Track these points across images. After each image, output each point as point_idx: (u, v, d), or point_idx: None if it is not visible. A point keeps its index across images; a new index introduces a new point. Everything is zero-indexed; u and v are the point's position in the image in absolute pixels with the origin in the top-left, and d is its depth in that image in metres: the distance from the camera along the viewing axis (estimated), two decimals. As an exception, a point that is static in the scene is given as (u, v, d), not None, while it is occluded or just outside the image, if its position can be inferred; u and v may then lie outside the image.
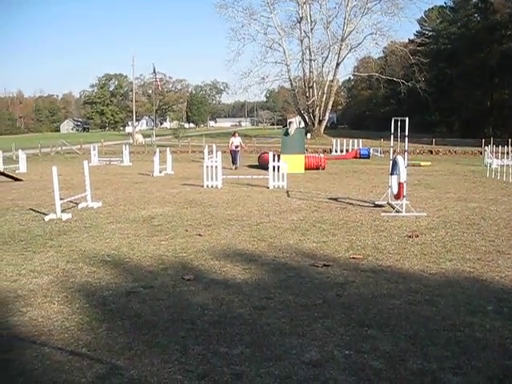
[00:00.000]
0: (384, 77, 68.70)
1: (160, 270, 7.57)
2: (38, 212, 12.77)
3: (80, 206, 13.42)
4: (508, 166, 21.42)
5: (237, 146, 26.08)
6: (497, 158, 25.88)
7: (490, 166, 23.27)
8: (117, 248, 8.97)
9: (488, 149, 28.07)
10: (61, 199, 12.30)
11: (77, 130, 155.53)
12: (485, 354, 4.75)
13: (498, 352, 4.80)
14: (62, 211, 12.14)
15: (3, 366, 4.64)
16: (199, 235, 9.94)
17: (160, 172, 23.34)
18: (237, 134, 26.99)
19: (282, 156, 22.54)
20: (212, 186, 17.82)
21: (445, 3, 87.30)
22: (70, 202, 13.50)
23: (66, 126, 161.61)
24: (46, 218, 11.70)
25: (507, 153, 26.68)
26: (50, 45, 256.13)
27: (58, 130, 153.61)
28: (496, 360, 4.64)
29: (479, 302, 6.14)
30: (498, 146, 27.58)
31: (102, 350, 4.91)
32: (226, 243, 9.30)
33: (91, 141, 52.71)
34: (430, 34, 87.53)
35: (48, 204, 13.60)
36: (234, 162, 26.19)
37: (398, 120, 12.99)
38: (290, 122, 27.53)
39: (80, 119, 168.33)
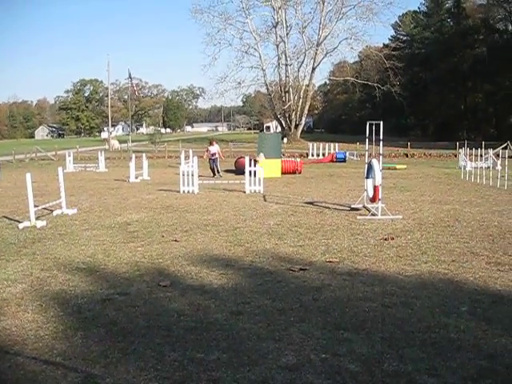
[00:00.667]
0: (359, 81, 69.25)
1: (136, 277, 7.52)
2: (11, 220, 12.61)
3: (55, 213, 13.28)
4: (482, 168, 21.68)
5: (213, 154, 25.40)
6: (471, 160, 26.18)
7: (465, 169, 23.54)
8: (92, 255, 8.89)
9: (462, 151, 28.38)
10: (35, 206, 12.17)
11: (52, 137, 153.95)
12: (459, 355, 4.80)
13: (473, 352, 4.85)
14: (37, 218, 12.01)
15: (-24, 376, 4.58)
16: (175, 241, 9.90)
17: (136, 178, 23.21)
18: (214, 142, 26.34)
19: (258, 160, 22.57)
20: (188, 192, 17.76)
21: (418, 8, 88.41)
22: (45, 209, 13.36)
23: (41, 133, 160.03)
24: (20, 226, 11.56)
25: (481, 155, 27.04)
26: (23, 50, 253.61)
27: (33, 137, 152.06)
28: (470, 360, 4.69)
29: (454, 303, 6.20)
30: (471, 148, 27.93)
31: (76, 358, 4.86)
32: (202, 248, 9.27)
33: (66, 147, 52.25)
34: (405, 38, 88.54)
35: (22, 211, 13.44)
36: (214, 171, 25.30)
37: (372, 124, 13.09)
38: (267, 127, 27.57)
39: (55, 125, 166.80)
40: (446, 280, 7.17)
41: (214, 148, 25.39)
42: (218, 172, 25.14)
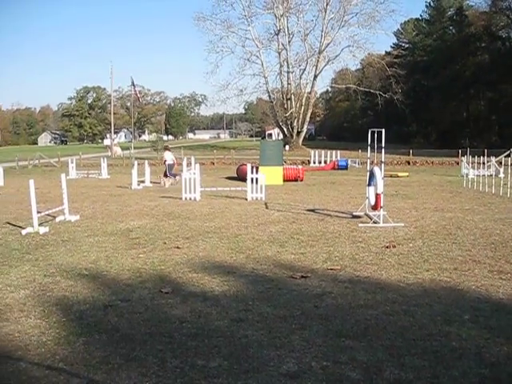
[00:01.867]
0: (361, 88, 69.37)
1: (138, 283, 7.53)
2: (14, 226, 12.64)
3: (57, 219, 13.31)
4: (484, 176, 21.70)
5: (165, 161, 25.51)
6: (473, 168, 26.19)
7: (467, 177, 23.50)
8: (94, 261, 8.91)
9: (464, 159, 28.40)
10: (38, 213, 12.20)
11: (55, 143, 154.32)
12: (461, 363, 4.80)
13: (475, 361, 4.85)
14: (40, 225, 12.04)
15: (-22, 382, 4.59)
16: (177, 248, 9.91)
17: (138, 185, 23.25)
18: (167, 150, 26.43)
19: (260, 168, 22.62)
20: (190, 199, 17.79)
21: (420, 16, 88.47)
22: (48, 215, 13.40)
23: (44, 139, 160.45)
24: (23, 232, 11.59)
25: (483, 163, 27.05)
26: (27, 57, 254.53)
27: (36, 143, 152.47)
28: (472, 369, 4.69)
29: (456, 311, 6.20)
30: (474, 156, 27.95)
31: (78, 364, 4.87)
32: (204, 255, 9.29)
33: (69, 154, 52.32)
34: (407, 46, 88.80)
35: (25, 217, 13.47)
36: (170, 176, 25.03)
37: (374, 131, 13.11)
38: (270, 134, 27.65)
39: (58, 132, 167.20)
40: (448, 288, 7.17)
41: (168, 154, 25.69)
42: (173, 178, 24.82)
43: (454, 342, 5.31)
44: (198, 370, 4.73)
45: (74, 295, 7.01)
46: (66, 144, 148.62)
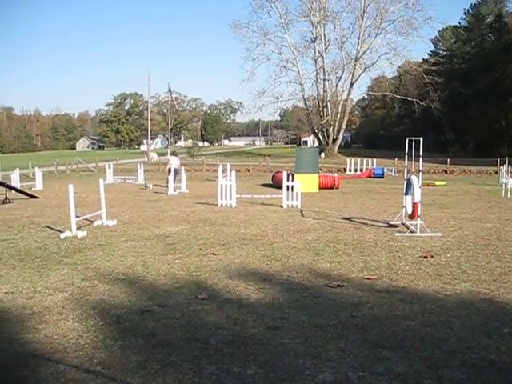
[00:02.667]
0: (398, 96, 68.83)
1: (174, 289, 7.59)
2: (53, 229, 12.87)
3: (95, 223, 13.51)
4: (524, 186, 21.29)
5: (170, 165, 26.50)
6: (512, 177, 25.71)
7: (506, 186, 23.06)
8: (131, 266, 9.01)
9: (503, 168, 27.89)
10: (76, 217, 12.39)
11: (92, 148, 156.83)
12: (500, 377, 4.71)
13: (514, 375, 4.76)
14: (78, 229, 12.24)
15: (19, 382, 4.68)
16: (213, 254, 9.96)
17: (174, 190, 23.44)
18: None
19: (295, 175, 22.59)
20: (226, 205, 17.85)
21: (459, 23, 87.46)
22: (86, 219, 13.59)
23: (82, 144, 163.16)
24: (62, 236, 11.79)
25: (523, 173, 26.53)
26: (66, 63, 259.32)
27: (74, 148, 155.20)
28: (512, 383, 4.60)
29: (495, 323, 6.09)
30: (513, 165, 27.45)
31: (115, 368, 4.93)
32: (239, 262, 9.31)
33: (106, 159, 53.03)
34: (444, 53, 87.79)
35: (63, 221, 13.71)
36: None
37: (412, 140, 12.99)
38: (305, 141, 27.70)
39: (95, 137, 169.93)
40: (487, 300, 7.04)
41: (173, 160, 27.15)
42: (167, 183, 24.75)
43: (493, 355, 5.21)
44: (234, 377, 4.73)
45: (112, 299, 7.09)
46: (103, 149, 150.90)
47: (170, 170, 25.60)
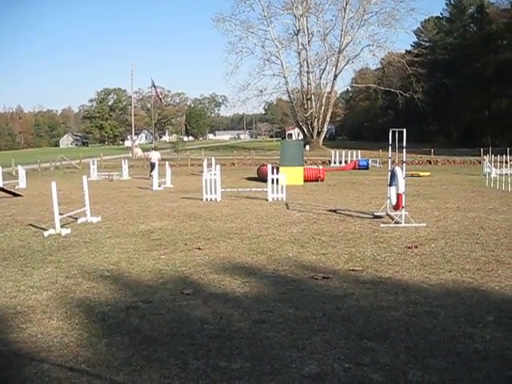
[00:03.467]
0: (382, 88, 69.18)
1: (159, 285, 7.56)
2: (37, 227, 12.77)
3: (79, 220, 13.42)
4: (507, 175, 21.47)
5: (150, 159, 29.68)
6: (495, 167, 25.92)
7: (489, 176, 23.25)
8: (116, 263, 8.96)
9: (487, 158, 28.09)
10: (60, 214, 12.31)
11: (76, 145, 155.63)
12: (485, 366, 4.74)
13: (499, 363, 4.79)
14: (62, 226, 12.15)
15: (3, 383, 4.63)
16: (198, 249, 9.93)
17: (159, 186, 23.35)
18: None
19: (280, 168, 22.58)
20: (211, 200, 17.82)
21: (441, 14, 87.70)
22: (70, 217, 13.51)
23: (66, 141, 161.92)
24: (46, 234, 11.70)
25: (506, 162, 26.75)
26: (48, 60, 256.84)
27: (58, 145, 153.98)
28: (496, 371, 4.62)
29: (479, 312, 6.13)
30: (496, 155, 27.65)
31: (101, 365, 4.90)
32: (225, 256, 9.29)
33: (90, 155, 52.70)
34: (427, 44, 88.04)
35: (47, 219, 13.61)
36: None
37: (395, 131, 13.02)
38: (290, 134, 27.85)
39: (79, 134, 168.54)
40: (471, 289, 7.09)
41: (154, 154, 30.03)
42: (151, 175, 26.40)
43: (478, 343, 5.24)
44: (220, 371, 4.72)
45: (96, 297, 7.05)
46: (87, 146, 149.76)
47: (153, 165, 25.89)
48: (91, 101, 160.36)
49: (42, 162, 43.16)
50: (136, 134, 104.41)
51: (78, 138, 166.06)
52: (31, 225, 13.22)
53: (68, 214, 13.36)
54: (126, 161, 33.27)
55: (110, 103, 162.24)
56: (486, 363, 4.79)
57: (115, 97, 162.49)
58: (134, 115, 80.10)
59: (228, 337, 5.52)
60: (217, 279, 7.80)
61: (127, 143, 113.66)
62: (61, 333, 5.75)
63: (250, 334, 5.60)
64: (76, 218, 13.58)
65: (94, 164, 32.00)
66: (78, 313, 6.40)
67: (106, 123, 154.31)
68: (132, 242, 10.74)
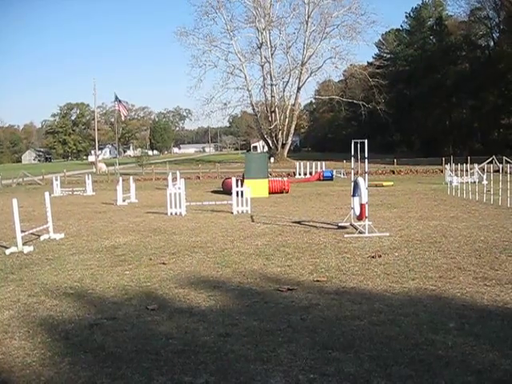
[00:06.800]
0: (345, 99, 70.04)
1: (124, 301, 7.49)
2: (-2, 246, 12.54)
3: (42, 237, 13.22)
4: (468, 183, 21.87)
5: None
6: (457, 175, 26.39)
7: (451, 184, 23.67)
8: (80, 280, 8.85)
9: (448, 167, 28.60)
10: (22, 232, 12.10)
11: (39, 161, 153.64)
12: (447, 372, 4.81)
13: (461, 368, 4.86)
14: (24, 244, 11.94)
15: (-38, 406, 4.53)
16: (163, 264, 9.87)
17: (123, 201, 23.16)
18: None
19: (245, 181, 22.64)
20: (176, 214, 17.74)
21: (401, 26, 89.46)
22: (32, 234, 13.29)
23: (28, 157, 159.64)
24: (7, 252, 11.48)
25: (467, 170, 27.26)
26: (8, 74, 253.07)
27: (20, 161, 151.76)
28: (458, 377, 4.69)
29: (441, 319, 6.22)
30: (457, 163, 28.19)
31: (64, 385, 4.82)
32: (190, 271, 9.25)
33: (54, 171, 52.05)
34: (388, 56, 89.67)
35: (9, 237, 13.37)
36: None
37: (357, 142, 13.18)
38: (255, 147, 27.96)
39: (42, 149, 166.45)
40: (434, 296, 7.19)
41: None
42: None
43: (440, 350, 5.32)
44: (185, 386, 4.70)
45: (59, 315, 6.94)
46: (50, 161, 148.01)
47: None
48: (54, 115, 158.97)
49: (3, 178, 42.50)
50: (100, 148, 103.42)
51: (40, 153, 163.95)
52: (-8, 243, 12.97)
53: (30, 231, 13.15)
54: (90, 176, 32.94)
55: (72, 118, 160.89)
56: (448, 369, 4.86)
57: (78, 111, 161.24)
58: (98, 130, 79.43)
59: (193, 351, 5.49)
60: (182, 294, 7.76)
61: (91, 158, 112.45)
62: (23, 352, 5.64)
63: (215, 347, 5.58)
64: (39, 235, 13.37)
65: (57, 180, 31.56)
66: (41, 331, 6.29)
67: (69, 138, 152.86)
68: (96, 259, 10.62)
